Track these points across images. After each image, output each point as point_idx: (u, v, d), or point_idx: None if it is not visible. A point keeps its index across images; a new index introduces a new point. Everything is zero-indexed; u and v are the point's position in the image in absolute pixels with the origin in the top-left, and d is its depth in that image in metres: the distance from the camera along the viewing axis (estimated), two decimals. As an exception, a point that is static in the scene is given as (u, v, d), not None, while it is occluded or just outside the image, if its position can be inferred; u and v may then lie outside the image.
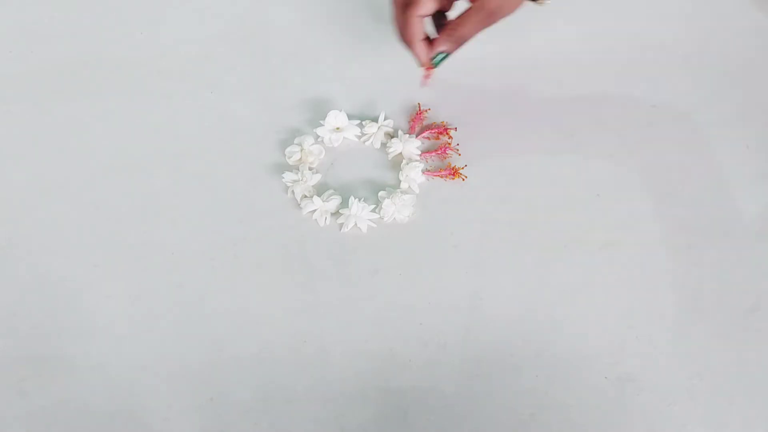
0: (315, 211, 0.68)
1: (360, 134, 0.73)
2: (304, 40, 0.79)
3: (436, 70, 0.68)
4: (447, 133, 0.72)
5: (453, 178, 0.70)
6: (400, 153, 0.72)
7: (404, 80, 0.74)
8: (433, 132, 0.73)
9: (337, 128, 0.72)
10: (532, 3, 0.69)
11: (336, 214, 0.69)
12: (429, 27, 0.68)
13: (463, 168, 0.70)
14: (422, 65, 0.67)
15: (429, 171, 0.71)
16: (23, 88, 0.76)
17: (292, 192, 0.69)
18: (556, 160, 0.72)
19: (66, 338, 0.64)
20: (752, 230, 0.68)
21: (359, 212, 0.68)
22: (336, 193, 0.69)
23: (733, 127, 0.73)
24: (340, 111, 0.72)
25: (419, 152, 0.71)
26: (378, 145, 0.72)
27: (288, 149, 0.71)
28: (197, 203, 0.70)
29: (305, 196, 0.69)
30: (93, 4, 0.81)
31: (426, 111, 0.73)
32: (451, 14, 0.68)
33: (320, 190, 0.70)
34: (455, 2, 0.68)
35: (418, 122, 0.73)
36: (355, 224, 0.68)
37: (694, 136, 0.73)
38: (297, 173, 0.70)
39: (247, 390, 0.62)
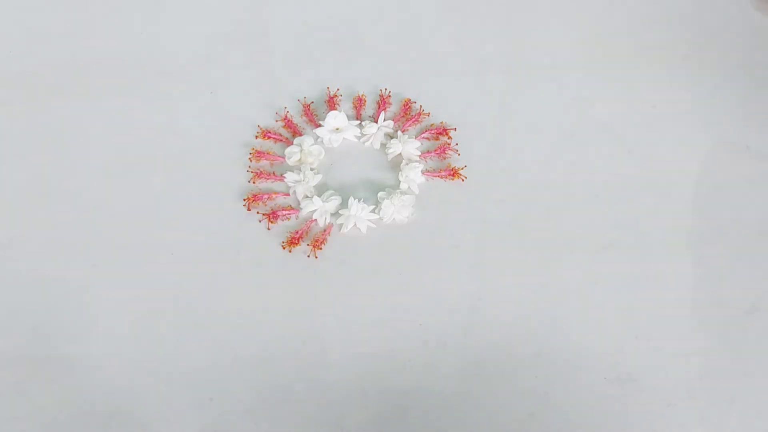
0: (315, 211, 0.68)
1: (359, 135, 0.73)
2: (304, 40, 0.79)
3: None
4: (447, 133, 0.72)
5: (453, 179, 0.70)
6: (400, 153, 0.71)
7: (404, 80, 0.74)
8: (432, 132, 0.73)
9: (337, 129, 0.72)
10: None
11: (336, 214, 0.69)
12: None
13: (463, 168, 0.70)
14: None
15: (429, 171, 0.71)
16: (23, 88, 0.76)
17: (294, 192, 0.69)
18: (556, 159, 0.72)
19: (66, 338, 0.64)
20: (752, 230, 0.68)
21: (359, 213, 0.68)
22: (336, 194, 0.69)
23: (733, 127, 0.73)
24: (340, 111, 0.72)
25: (419, 153, 0.71)
26: (378, 146, 0.72)
27: (288, 149, 0.71)
28: (197, 203, 0.70)
29: (306, 197, 0.69)
30: (93, 4, 0.81)
31: (412, 104, 0.73)
32: None
33: (320, 190, 0.70)
34: None
35: (411, 121, 0.73)
36: (355, 225, 0.68)
37: (694, 136, 0.73)
38: (299, 173, 0.70)
39: (247, 390, 0.62)
